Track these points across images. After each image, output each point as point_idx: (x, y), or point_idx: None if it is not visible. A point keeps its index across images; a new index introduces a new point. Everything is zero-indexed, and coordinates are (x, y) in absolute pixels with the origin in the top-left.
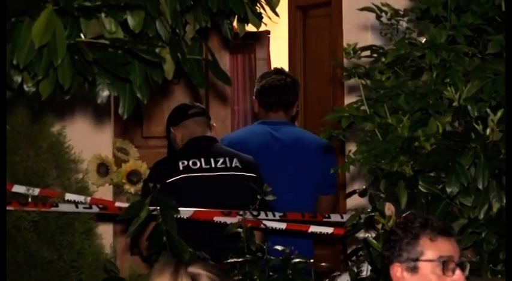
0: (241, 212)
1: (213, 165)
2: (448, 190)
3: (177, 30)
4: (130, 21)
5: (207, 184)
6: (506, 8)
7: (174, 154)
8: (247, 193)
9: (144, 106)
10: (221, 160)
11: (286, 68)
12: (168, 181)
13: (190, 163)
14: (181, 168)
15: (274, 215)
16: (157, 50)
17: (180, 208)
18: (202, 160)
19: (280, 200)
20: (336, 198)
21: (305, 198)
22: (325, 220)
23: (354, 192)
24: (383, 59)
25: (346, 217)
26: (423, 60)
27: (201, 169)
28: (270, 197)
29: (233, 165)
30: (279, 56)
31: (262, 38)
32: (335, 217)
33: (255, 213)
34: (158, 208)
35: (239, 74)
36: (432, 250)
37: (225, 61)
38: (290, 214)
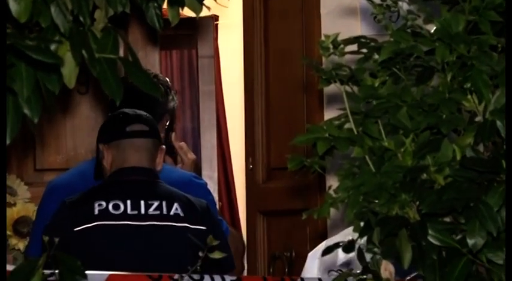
0: (176, 276)
1: (142, 211)
2: (470, 241)
3: (81, 19)
4: (13, 6)
5: (131, 237)
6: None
7: (90, 191)
8: (190, 250)
9: (35, 127)
10: (155, 204)
11: (241, 67)
12: (76, 230)
13: (111, 205)
14: (96, 212)
15: (224, 280)
16: (52, 47)
17: (88, 271)
18: (129, 202)
19: None
20: None
21: None
22: None
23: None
24: (376, 56)
25: None
26: (432, 58)
27: (124, 216)
28: (216, 255)
29: (172, 212)
30: (230, 51)
31: (207, 26)
32: None
33: (196, 277)
34: (57, 271)
35: (174, 77)
36: None
37: (153, 60)
38: (246, 278)
